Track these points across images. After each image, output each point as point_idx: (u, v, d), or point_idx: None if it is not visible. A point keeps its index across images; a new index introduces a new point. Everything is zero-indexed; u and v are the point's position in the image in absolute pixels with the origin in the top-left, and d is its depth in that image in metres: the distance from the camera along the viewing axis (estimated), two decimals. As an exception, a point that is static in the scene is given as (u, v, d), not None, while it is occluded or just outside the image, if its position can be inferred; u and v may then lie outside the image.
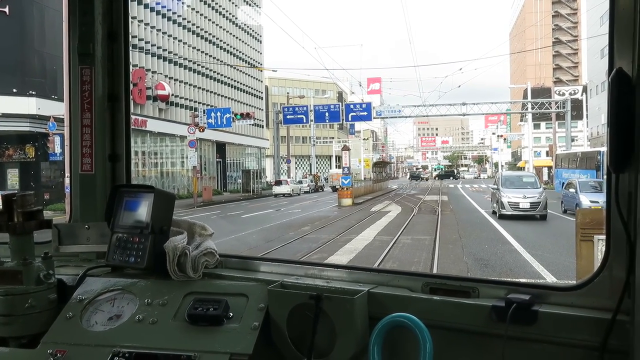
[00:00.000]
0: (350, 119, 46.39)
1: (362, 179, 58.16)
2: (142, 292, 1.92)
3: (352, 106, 47.67)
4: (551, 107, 49.80)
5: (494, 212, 23.15)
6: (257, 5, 64.26)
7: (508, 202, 21.73)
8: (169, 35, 43.21)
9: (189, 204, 32.70)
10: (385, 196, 42.12)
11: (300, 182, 52.73)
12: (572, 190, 22.54)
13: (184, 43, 45.61)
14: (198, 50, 48.10)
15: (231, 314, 1.80)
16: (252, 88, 62.03)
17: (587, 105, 56.29)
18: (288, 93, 63.02)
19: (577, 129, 59.04)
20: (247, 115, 43.65)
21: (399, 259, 13.03)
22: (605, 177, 1.61)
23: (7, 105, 27.02)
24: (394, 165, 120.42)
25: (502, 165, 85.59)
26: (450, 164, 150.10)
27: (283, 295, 1.82)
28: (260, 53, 66.09)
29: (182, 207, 29.92)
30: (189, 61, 46.17)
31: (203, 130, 38.78)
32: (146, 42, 39.57)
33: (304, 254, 13.40)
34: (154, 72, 40.68)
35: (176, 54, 44.03)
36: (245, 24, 60.22)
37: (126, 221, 2.03)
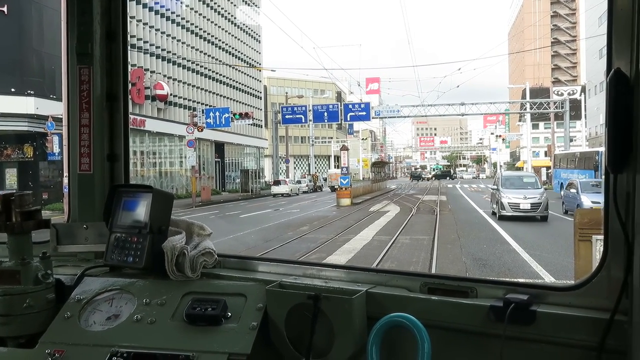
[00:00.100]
0: (348, 119, 46.39)
1: (361, 179, 58.19)
2: (140, 292, 1.91)
3: (350, 106, 47.68)
4: (550, 107, 49.84)
5: (493, 213, 22.81)
6: (256, 5, 64.25)
7: (508, 202, 21.31)
8: (168, 35, 43.18)
9: (187, 204, 32.69)
10: (383, 196, 42.13)
11: (298, 182, 52.71)
12: (573, 190, 22.16)
13: (183, 43, 45.58)
14: (197, 49, 48.08)
15: (229, 314, 1.80)
16: (250, 88, 62.02)
17: (585, 106, 56.39)
18: (287, 93, 62.98)
19: (576, 129, 59.12)
20: (245, 115, 43.67)
21: (397, 259, 13.04)
22: (603, 177, 1.61)
23: (6, 104, 26.97)
24: (392, 165, 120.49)
25: (500, 166, 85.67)
26: (448, 164, 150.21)
27: (281, 295, 1.82)
28: (259, 53, 66.07)
29: (181, 207, 29.90)
30: (188, 61, 46.15)
31: (202, 130, 38.76)
32: (145, 42, 39.53)
33: (302, 254, 13.40)
34: (152, 72, 40.65)
35: (175, 54, 44.00)
36: (244, 24, 60.19)
37: (124, 221, 2.03)
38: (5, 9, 27.82)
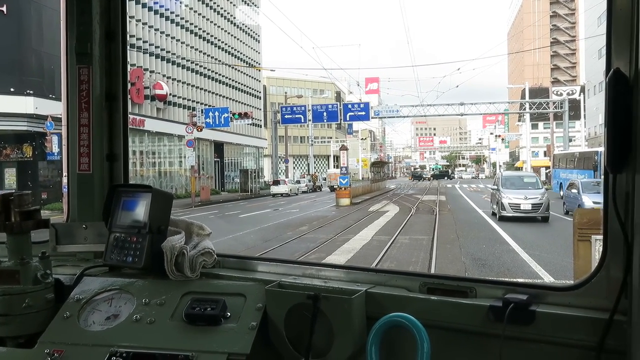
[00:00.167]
0: (348, 119, 46.42)
1: (360, 178, 58.16)
2: (139, 291, 1.91)
3: (350, 106, 47.72)
4: (549, 107, 49.88)
5: (493, 214, 22.50)
6: (255, 5, 64.24)
7: (509, 203, 20.89)
8: (167, 35, 43.16)
9: (186, 204, 32.69)
10: (383, 196, 42.14)
11: (298, 181, 52.72)
12: (574, 190, 21.82)
13: (182, 42, 45.57)
14: (196, 49, 48.06)
15: (229, 314, 1.80)
16: (250, 88, 62.00)
17: (584, 106, 56.47)
18: (286, 93, 63.02)
19: (575, 129, 59.18)
20: (245, 115, 43.65)
21: (396, 258, 13.04)
22: (602, 177, 1.61)
23: (5, 104, 26.97)
24: (392, 165, 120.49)
25: (499, 165, 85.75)
26: (448, 164, 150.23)
27: (281, 295, 1.82)
28: (259, 53, 66.05)
29: (180, 207, 29.90)
30: (187, 60, 46.14)
31: (201, 130, 38.75)
32: (144, 42, 39.51)
33: (301, 254, 13.41)
34: (152, 72, 40.64)
35: (174, 54, 43.99)
36: (243, 24, 60.17)
37: (124, 221, 2.03)
38: (4, 8, 27.81)
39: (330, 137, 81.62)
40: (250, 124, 56.15)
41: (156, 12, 41.45)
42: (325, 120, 47.29)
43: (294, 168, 73.14)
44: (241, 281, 1.96)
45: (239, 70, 58.05)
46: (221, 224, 21.85)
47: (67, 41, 2.27)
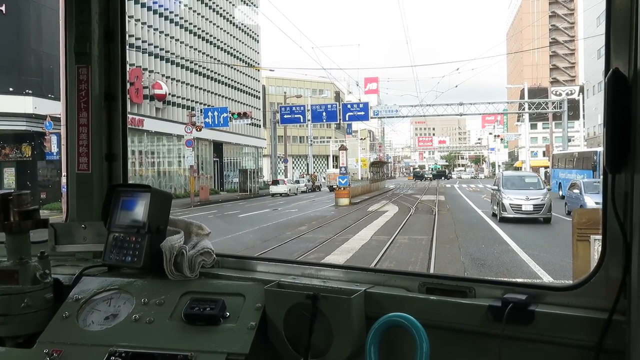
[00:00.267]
0: (347, 119, 46.44)
1: (360, 178, 58.26)
2: (138, 291, 1.91)
3: (349, 106, 47.74)
4: (548, 108, 49.91)
5: (493, 215, 22.04)
6: (255, 5, 64.23)
7: (509, 204, 20.34)
8: (166, 35, 43.15)
9: (185, 204, 32.67)
10: (382, 196, 42.14)
11: (297, 181, 52.74)
12: (576, 191, 21.38)
13: (181, 42, 45.55)
14: (195, 49, 48.04)
15: (228, 314, 1.80)
16: (249, 87, 61.99)
17: (583, 106, 56.45)
18: (285, 93, 63.02)
19: (574, 129, 59.11)
20: (244, 115, 43.65)
21: (395, 258, 13.04)
22: (601, 177, 1.61)
23: (4, 104, 26.96)
24: (391, 165, 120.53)
25: (499, 165, 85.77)
26: (447, 164, 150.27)
27: (280, 295, 1.82)
28: (258, 52, 66.04)
29: (179, 207, 29.89)
30: (186, 60, 46.12)
31: (200, 130, 38.75)
32: (143, 41, 39.50)
33: (300, 254, 13.41)
34: (151, 71, 40.62)
35: (173, 53, 43.97)
36: (242, 23, 60.16)
37: (123, 221, 2.03)
38: (3, 8, 27.79)
39: (330, 137, 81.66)
40: (250, 124, 56.15)
41: (155, 11, 41.43)
42: (324, 120, 47.30)
43: (293, 168, 73.20)
44: (240, 281, 1.96)
45: (238, 70, 58.03)
46: (220, 223, 21.85)
47: (66, 41, 2.27)
